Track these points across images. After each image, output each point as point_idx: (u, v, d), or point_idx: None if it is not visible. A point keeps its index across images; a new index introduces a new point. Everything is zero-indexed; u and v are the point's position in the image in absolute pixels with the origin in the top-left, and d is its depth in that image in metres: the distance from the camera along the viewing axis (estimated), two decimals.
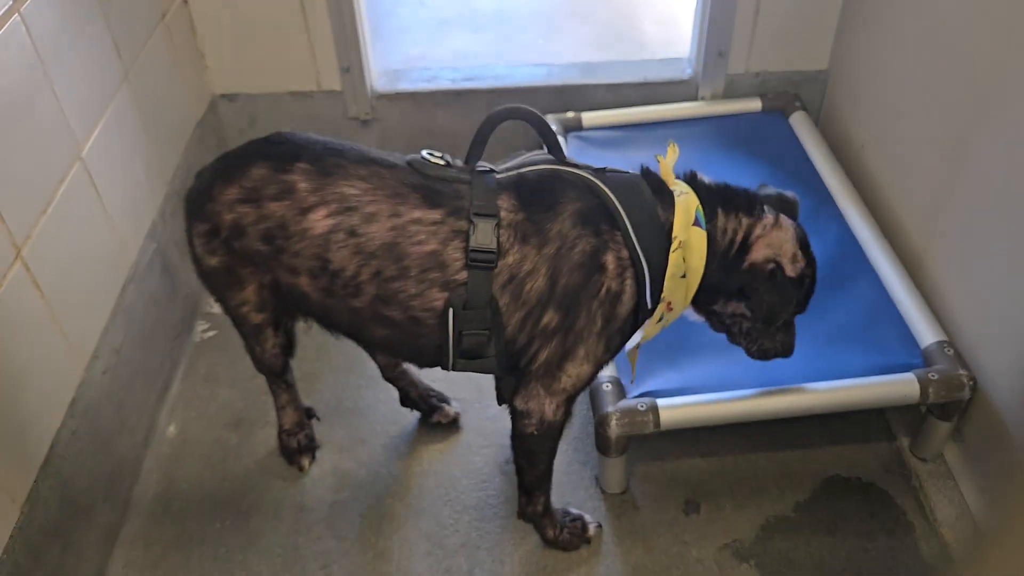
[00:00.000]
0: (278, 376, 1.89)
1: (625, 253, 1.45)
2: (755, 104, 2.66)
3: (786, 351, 1.64)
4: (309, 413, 2.06)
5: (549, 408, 1.56)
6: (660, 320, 1.54)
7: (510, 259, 1.44)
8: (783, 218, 1.55)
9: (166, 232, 2.21)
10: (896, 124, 2.22)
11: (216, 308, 2.40)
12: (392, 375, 2.06)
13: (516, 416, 1.59)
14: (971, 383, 1.77)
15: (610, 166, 1.55)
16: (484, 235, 1.42)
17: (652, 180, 1.52)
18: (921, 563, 1.75)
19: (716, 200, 1.53)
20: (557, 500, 1.87)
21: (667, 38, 3.40)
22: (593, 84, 2.70)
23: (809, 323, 1.96)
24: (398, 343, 1.56)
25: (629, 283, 1.48)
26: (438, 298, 1.45)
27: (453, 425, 2.07)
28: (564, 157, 1.55)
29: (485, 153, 1.52)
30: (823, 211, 2.26)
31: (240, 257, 1.55)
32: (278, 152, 1.49)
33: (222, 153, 1.60)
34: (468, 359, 1.53)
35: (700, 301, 1.57)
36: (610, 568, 1.77)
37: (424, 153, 1.50)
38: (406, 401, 2.08)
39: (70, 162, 1.76)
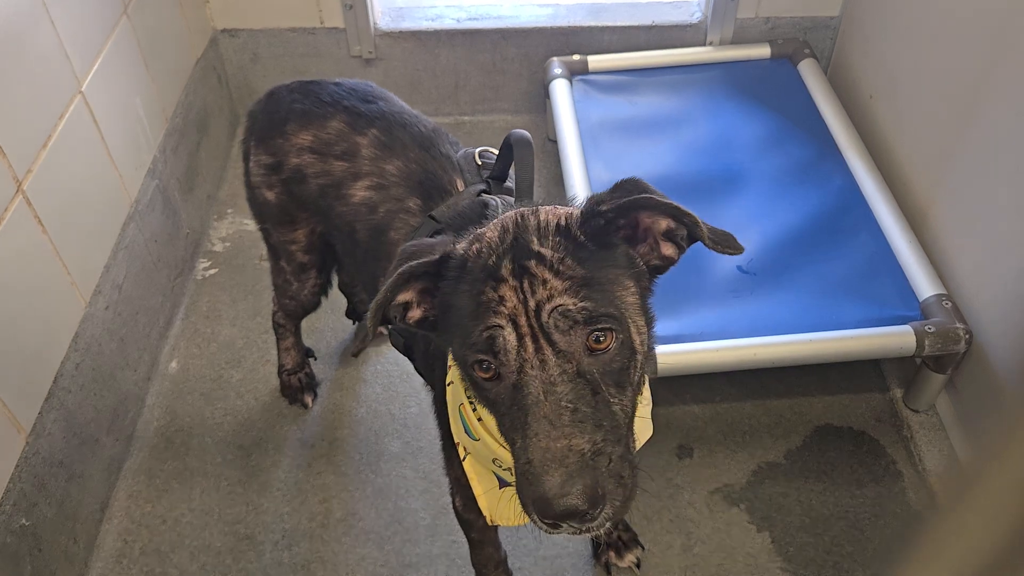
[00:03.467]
0: (303, 315, 1.88)
1: None
2: (764, 51, 2.61)
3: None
4: (308, 353, 2.08)
5: (456, 495, 1.38)
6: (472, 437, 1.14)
7: None
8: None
9: (167, 170, 2.20)
10: (906, 76, 2.19)
11: (218, 247, 2.41)
12: (348, 291, 2.11)
13: None
14: (967, 336, 1.79)
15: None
16: (419, 237, 1.28)
17: None
18: (908, 511, 1.79)
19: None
20: None
21: None
22: (600, 26, 2.65)
23: (809, 273, 1.97)
24: None
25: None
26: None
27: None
28: (529, 199, 1.26)
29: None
30: (828, 161, 2.24)
31: (298, 200, 1.55)
32: (362, 110, 1.47)
33: (306, 81, 1.57)
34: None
35: None
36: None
37: (479, 150, 1.42)
38: (352, 313, 2.17)
39: (70, 96, 1.74)
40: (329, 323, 2.20)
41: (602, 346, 0.89)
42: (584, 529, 0.86)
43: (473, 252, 0.94)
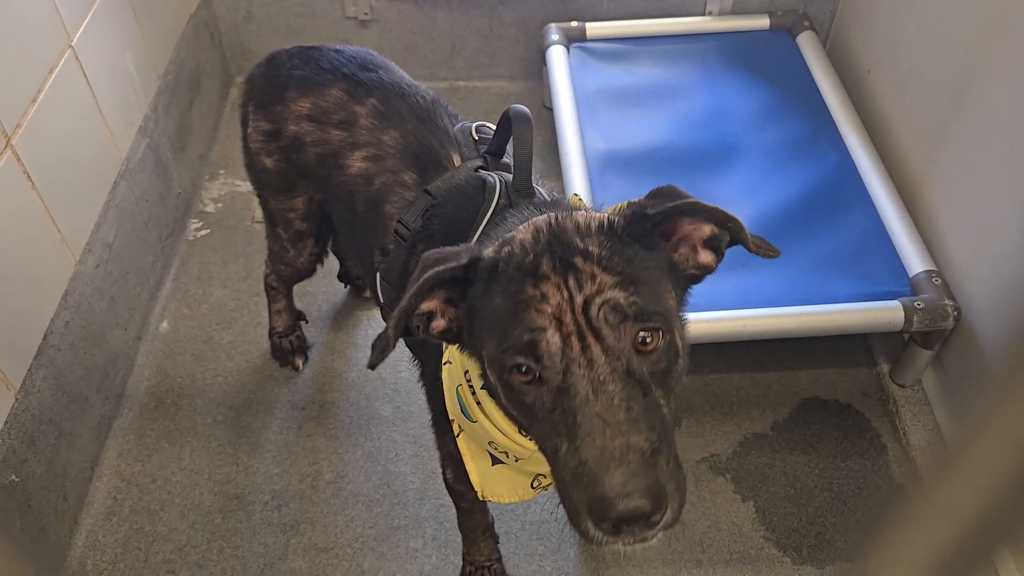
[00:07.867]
0: (297, 281, 1.88)
1: None
2: (763, 22, 2.59)
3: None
4: (299, 316, 2.08)
5: (447, 468, 1.39)
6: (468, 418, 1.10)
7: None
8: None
9: (158, 128, 2.18)
10: (905, 51, 2.18)
11: (209, 207, 2.39)
12: (342, 254, 2.10)
13: None
14: (955, 313, 1.80)
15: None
16: (415, 212, 1.26)
17: None
18: (892, 483, 1.81)
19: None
20: None
21: None
22: None
23: (801, 248, 1.97)
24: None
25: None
26: (377, 260, 1.36)
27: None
28: (527, 178, 1.20)
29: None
30: (823, 136, 2.24)
31: (297, 168, 1.53)
32: (361, 78, 1.44)
33: (307, 47, 1.54)
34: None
35: None
36: None
37: (476, 124, 1.39)
38: (344, 276, 2.16)
39: (60, 50, 1.72)
40: (321, 286, 2.20)
41: (650, 347, 0.85)
42: (641, 538, 0.80)
43: (505, 254, 0.89)
